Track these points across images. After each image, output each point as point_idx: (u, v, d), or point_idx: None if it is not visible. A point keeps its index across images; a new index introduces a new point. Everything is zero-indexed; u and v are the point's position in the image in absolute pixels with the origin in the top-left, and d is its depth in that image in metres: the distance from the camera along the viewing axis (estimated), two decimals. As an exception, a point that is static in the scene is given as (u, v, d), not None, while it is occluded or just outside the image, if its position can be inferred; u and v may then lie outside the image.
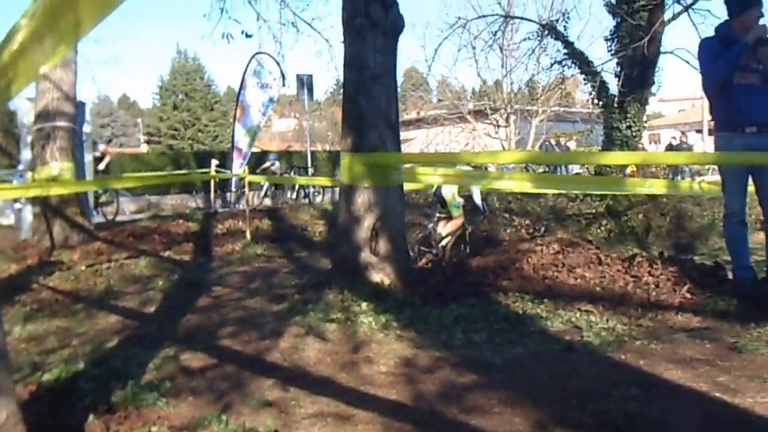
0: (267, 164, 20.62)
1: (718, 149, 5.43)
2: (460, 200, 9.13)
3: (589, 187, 9.79)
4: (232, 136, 18.27)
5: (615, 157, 9.43)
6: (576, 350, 3.89)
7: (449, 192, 8.93)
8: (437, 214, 9.37)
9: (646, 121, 15.23)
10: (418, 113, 44.06)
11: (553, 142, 28.40)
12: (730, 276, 5.30)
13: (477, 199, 9.33)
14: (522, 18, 20.21)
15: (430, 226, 9.16)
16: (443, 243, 9.15)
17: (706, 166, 23.22)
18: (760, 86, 5.16)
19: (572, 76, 16.83)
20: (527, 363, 3.69)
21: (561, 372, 3.49)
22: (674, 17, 13.60)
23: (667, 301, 4.72)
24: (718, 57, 5.12)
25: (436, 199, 9.32)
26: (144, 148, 52.83)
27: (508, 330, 4.31)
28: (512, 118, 29.97)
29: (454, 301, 4.93)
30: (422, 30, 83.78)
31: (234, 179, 17.68)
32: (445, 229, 9.18)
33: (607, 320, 4.39)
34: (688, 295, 4.79)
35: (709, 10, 13.38)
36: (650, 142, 45.79)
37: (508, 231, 11.18)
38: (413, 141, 37.61)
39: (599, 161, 9.93)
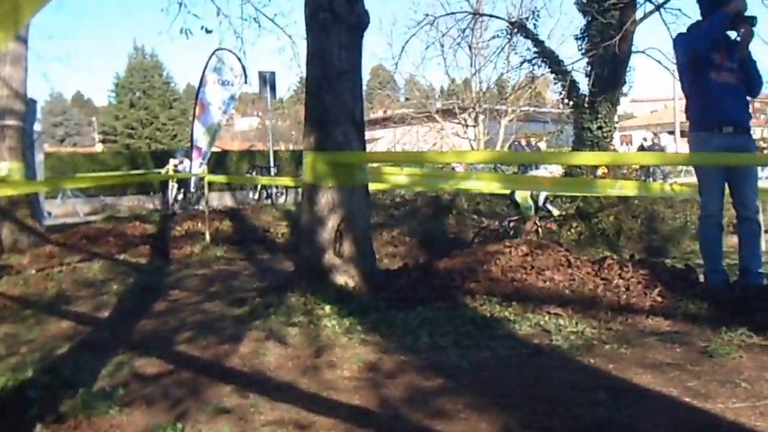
0: (175, 162, 19.62)
1: (693, 150, 5.50)
2: (532, 203, 9.54)
3: (559, 188, 9.89)
4: (191, 135, 18.11)
5: (584, 158, 9.53)
6: (544, 354, 3.91)
7: (521, 195, 9.35)
8: (508, 218, 9.86)
9: (617, 122, 15.45)
10: (385, 112, 44.20)
11: (523, 142, 28.55)
12: (702, 279, 5.34)
13: (542, 201, 9.84)
14: (491, 15, 20.45)
15: (502, 229, 9.89)
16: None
17: (679, 168, 23.55)
18: (735, 85, 5.26)
19: (542, 75, 17.02)
20: (494, 367, 3.70)
21: (529, 376, 3.50)
22: (645, 16, 13.81)
23: (637, 305, 4.75)
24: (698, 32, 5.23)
25: (510, 202, 10.12)
26: (99, 148, 52.24)
27: (475, 333, 4.31)
28: (481, 117, 30.18)
29: (420, 304, 4.92)
30: (389, 27, 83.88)
31: (193, 179, 17.54)
32: (526, 228, 9.88)
33: (577, 324, 4.40)
34: (659, 299, 4.82)
35: (680, 9, 13.62)
36: (622, 143, 46.33)
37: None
38: (380, 140, 37.71)
39: (569, 161, 10.03)
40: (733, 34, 5.33)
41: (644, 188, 8.86)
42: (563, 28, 64.84)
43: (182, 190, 18.63)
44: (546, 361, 3.77)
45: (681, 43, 5.48)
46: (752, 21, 5.18)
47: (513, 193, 9.77)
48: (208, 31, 11.11)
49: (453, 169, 16.82)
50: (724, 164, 5.22)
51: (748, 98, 5.48)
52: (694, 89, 5.38)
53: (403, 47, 29.02)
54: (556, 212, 10.81)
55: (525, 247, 5.84)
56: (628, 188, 8.45)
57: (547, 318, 4.56)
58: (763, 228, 5.40)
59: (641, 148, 27.99)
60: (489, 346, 4.07)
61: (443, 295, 5.14)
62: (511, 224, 10.15)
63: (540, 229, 10.21)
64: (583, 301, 4.84)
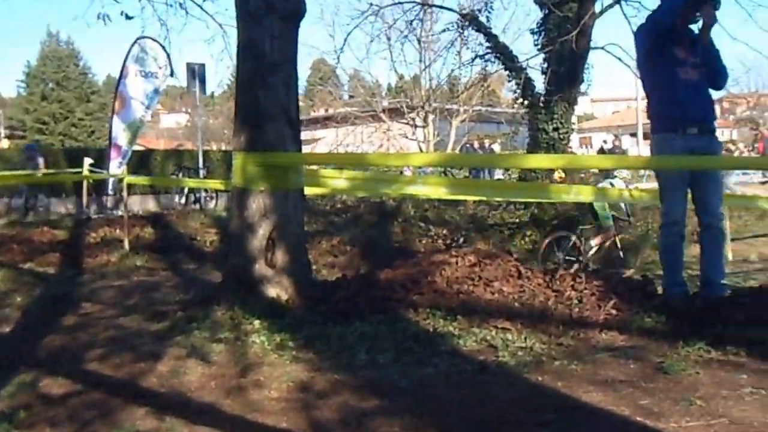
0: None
1: (655, 152, 5.55)
2: (611, 212, 10.01)
3: (512, 194, 10.00)
4: (110, 132, 17.84)
5: (538, 160, 9.66)
6: (490, 371, 3.96)
7: (600, 203, 9.52)
8: (581, 227, 10.35)
9: (575, 123, 15.69)
10: (327, 110, 44.13)
11: (476, 144, 28.86)
12: (660, 291, 5.41)
13: (626, 209, 10.16)
14: (441, 7, 20.59)
15: (574, 237, 10.00)
16: (591, 252, 9.88)
17: (641, 172, 23.98)
18: (699, 81, 5.31)
19: (495, 72, 17.19)
20: (436, 385, 3.73)
21: (473, 395, 3.54)
22: (605, 9, 14.05)
23: (590, 318, 4.83)
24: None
25: (588, 210, 10.31)
26: (5, 144, 51.03)
27: (417, 349, 4.34)
28: (431, 117, 30.35)
29: (358, 317, 4.93)
30: (331, 17, 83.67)
31: (111, 181, 17.25)
32: (595, 240, 9.99)
33: (525, 338, 4.46)
34: (614, 312, 4.89)
35: (639, 2, 13.87)
36: (581, 146, 47.12)
37: (423, 242, 11.29)
38: (321, 141, 37.63)
39: (521, 164, 10.19)
40: (695, 28, 5.41)
41: (602, 194, 9.01)
42: (519, 22, 65.43)
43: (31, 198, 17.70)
44: (491, 379, 3.82)
45: (641, 31, 5.55)
46: (715, 3, 5.19)
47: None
48: (128, 17, 10.92)
49: (401, 173, 16.88)
50: (689, 167, 5.27)
51: (713, 93, 5.55)
52: (656, 86, 5.42)
53: (345, 39, 28.61)
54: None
55: (473, 256, 5.89)
56: (584, 194, 8.59)
57: (494, 332, 4.60)
58: (727, 237, 5.47)
59: (601, 151, 28.49)
60: (431, 363, 4.11)
61: (384, 308, 5.15)
62: (575, 233, 10.38)
63: (614, 243, 10.29)
64: (532, 315, 4.90)
